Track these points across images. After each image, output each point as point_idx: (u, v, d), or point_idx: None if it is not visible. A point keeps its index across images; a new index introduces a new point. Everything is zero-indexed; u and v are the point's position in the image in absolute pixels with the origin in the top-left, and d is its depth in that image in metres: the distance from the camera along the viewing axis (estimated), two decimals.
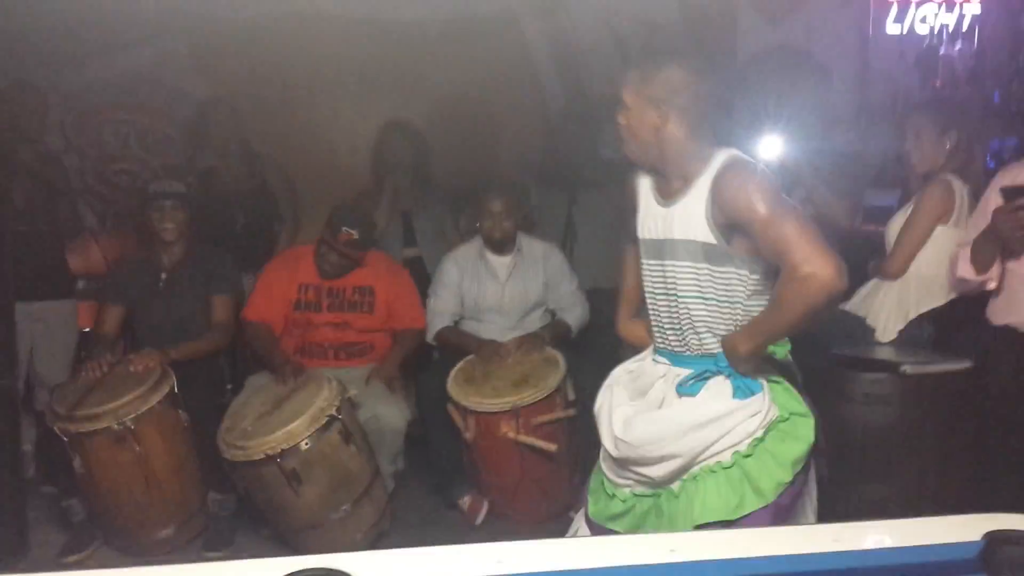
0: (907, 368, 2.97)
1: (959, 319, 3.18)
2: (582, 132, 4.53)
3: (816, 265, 1.92)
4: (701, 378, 2.14)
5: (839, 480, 2.76)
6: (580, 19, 4.90)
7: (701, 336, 2.17)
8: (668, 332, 2.23)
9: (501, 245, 3.86)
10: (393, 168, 4.39)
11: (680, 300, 2.17)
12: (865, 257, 3.50)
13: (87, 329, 3.99)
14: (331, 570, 1.16)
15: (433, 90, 4.88)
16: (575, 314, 3.88)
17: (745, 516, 2.02)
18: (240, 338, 3.81)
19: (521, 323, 3.87)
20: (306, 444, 3.16)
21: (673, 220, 2.15)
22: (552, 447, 3.41)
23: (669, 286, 2.19)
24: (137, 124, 4.78)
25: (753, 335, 2.08)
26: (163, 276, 3.73)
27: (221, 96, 4.48)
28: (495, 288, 3.87)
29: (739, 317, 2.14)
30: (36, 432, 3.74)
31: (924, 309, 3.20)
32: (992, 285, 2.90)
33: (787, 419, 2.10)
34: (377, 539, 3.43)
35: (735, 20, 5.10)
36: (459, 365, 3.68)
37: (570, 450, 3.54)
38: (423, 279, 4.06)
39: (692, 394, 2.14)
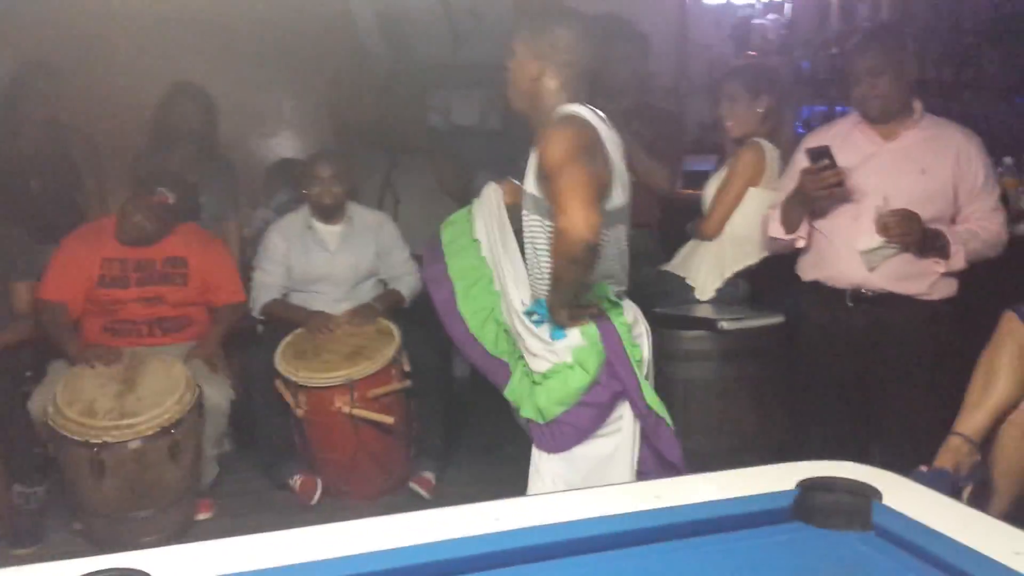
0: (724, 324, 3.11)
1: (772, 277, 3.33)
2: (406, 96, 4.46)
3: (569, 219, 2.13)
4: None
5: None
6: None
7: (537, 283, 2.39)
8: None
9: (330, 213, 3.73)
10: (176, 135, 4.10)
11: (528, 247, 2.39)
12: (685, 220, 3.61)
13: None
14: (128, 570, 1.06)
15: (257, 54, 4.66)
16: (407, 283, 3.81)
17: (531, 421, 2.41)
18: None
19: (352, 293, 3.77)
20: (188, 412, 3.17)
21: (528, 171, 2.35)
22: (389, 419, 3.35)
23: (524, 234, 2.40)
24: None
25: (551, 288, 2.31)
26: None
27: (33, 62, 4.09)
28: (324, 258, 3.74)
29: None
30: None
31: (739, 267, 3.34)
32: (801, 243, 3.04)
33: (571, 367, 2.32)
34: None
35: None
36: (287, 339, 3.55)
37: (406, 422, 3.49)
38: None
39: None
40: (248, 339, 3.83)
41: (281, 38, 4.67)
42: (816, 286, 3.03)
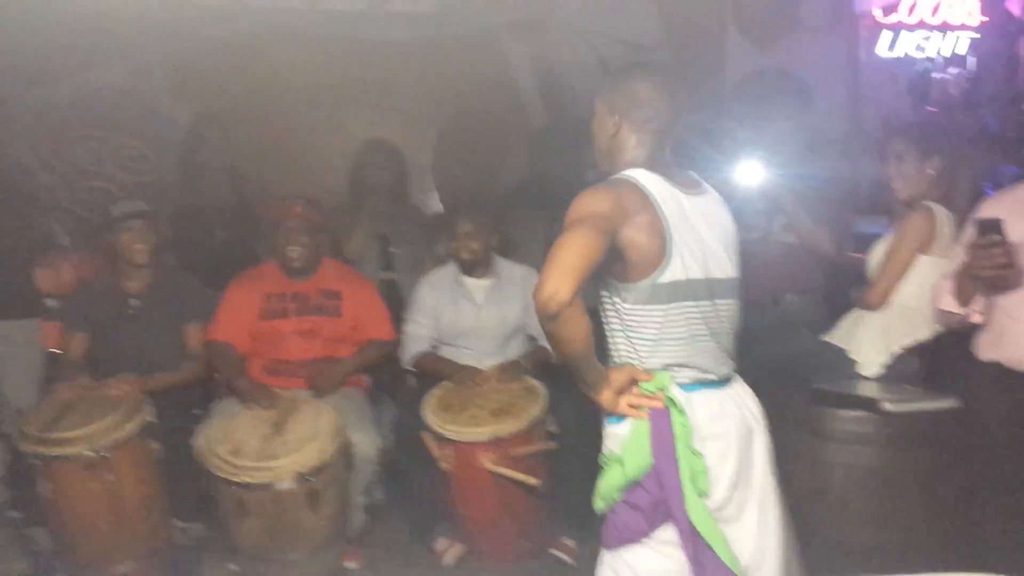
0: (889, 405, 2.86)
1: (946, 354, 3.08)
2: (564, 152, 4.47)
3: (540, 284, 1.97)
4: None
5: (814, 525, 2.66)
6: (562, 39, 4.85)
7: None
8: None
9: (472, 267, 3.77)
10: (371, 189, 4.31)
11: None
12: (852, 286, 3.42)
13: (54, 350, 3.88)
14: None
15: (412, 110, 4.83)
16: None
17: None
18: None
19: (501, 349, 3.77)
20: (332, 460, 3.22)
21: None
22: (534, 481, 3.29)
23: None
24: (110, 142, 4.71)
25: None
26: (132, 302, 3.63)
27: (207, 115, 4.40)
28: (471, 311, 3.77)
29: (619, 347, 2.17)
30: (8, 458, 3.64)
31: (908, 342, 3.10)
32: (977, 319, 2.80)
33: (617, 459, 2.12)
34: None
35: (723, 43, 5.04)
36: (434, 391, 3.57)
37: (550, 485, 3.43)
38: (397, 303, 3.96)
39: None
40: (401, 391, 3.90)
41: (440, 93, 4.81)
42: (996, 368, 2.75)
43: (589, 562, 3.33)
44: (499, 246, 3.85)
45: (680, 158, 2.23)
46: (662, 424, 2.07)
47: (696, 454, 2.07)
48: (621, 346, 2.15)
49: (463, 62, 4.74)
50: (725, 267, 2.17)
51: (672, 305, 2.08)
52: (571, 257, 1.97)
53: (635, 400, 2.08)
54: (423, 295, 3.81)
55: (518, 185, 4.68)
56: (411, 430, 3.52)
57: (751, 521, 2.16)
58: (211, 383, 3.77)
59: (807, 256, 3.64)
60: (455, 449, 3.36)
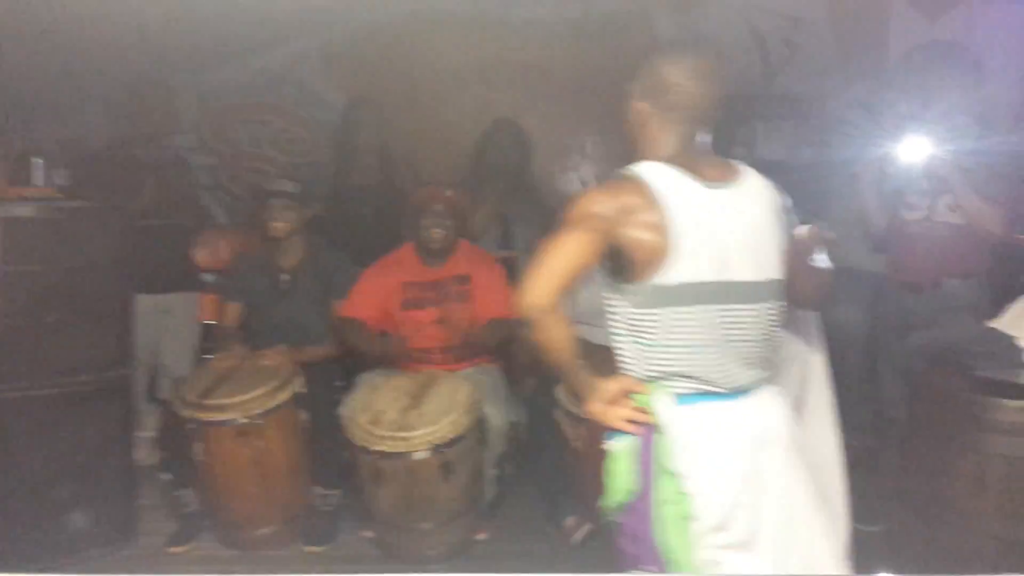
0: None
1: None
2: (716, 132, 4.31)
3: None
4: None
5: (974, 518, 2.48)
6: (716, 14, 4.67)
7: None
8: None
9: None
10: (494, 168, 4.31)
11: None
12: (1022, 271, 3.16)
13: (209, 322, 4.09)
14: None
15: (560, 91, 4.78)
16: None
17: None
18: None
19: None
20: (466, 434, 3.27)
21: None
22: None
23: None
24: (270, 125, 4.90)
25: None
26: (283, 277, 3.78)
27: (361, 98, 4.53)
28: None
29: (622, 353, 2.02)
30: (159, 420, 3.88)
31: None
32: None
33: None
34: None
35: (888, 15, 4.74)
36: None
37: None
38: (515, 282, 3.94)
39: None
40: (537, 369, 3.88)
41: (587, 72, 4.75)
42: None
43: None
44: None
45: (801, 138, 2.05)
46: (649, 442, 1.94)
47: (673, 475, 1.91)
48: (624, 352, 2.00)
49: (613, 40, 4.66)
50: (752, 268, 1.95)
51: (675, 309, 1.92)
52: (556, 262, 1.92)
53: (627, 414, 1.95)
54: None
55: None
56: (544, 409, 3.51)
57: (767, 548, 1.93)
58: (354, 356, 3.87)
59: (972, 238, 3.37)
60: (587, 429, 3.31)
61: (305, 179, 4.21)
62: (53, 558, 3.14)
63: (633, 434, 1.95)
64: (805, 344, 2.40)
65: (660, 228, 1.89)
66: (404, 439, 3.18)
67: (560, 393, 3.41)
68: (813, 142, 4.57)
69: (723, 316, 1.93)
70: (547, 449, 3.54)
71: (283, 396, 3.35)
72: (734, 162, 2.04)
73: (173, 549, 3.39)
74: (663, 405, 1.93)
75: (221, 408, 3.26)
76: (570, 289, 1.93)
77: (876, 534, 3.41)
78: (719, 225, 1.92)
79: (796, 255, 2.05)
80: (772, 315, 2.00)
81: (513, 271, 4.08)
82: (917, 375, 3.21)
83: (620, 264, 1.93)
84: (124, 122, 4.18)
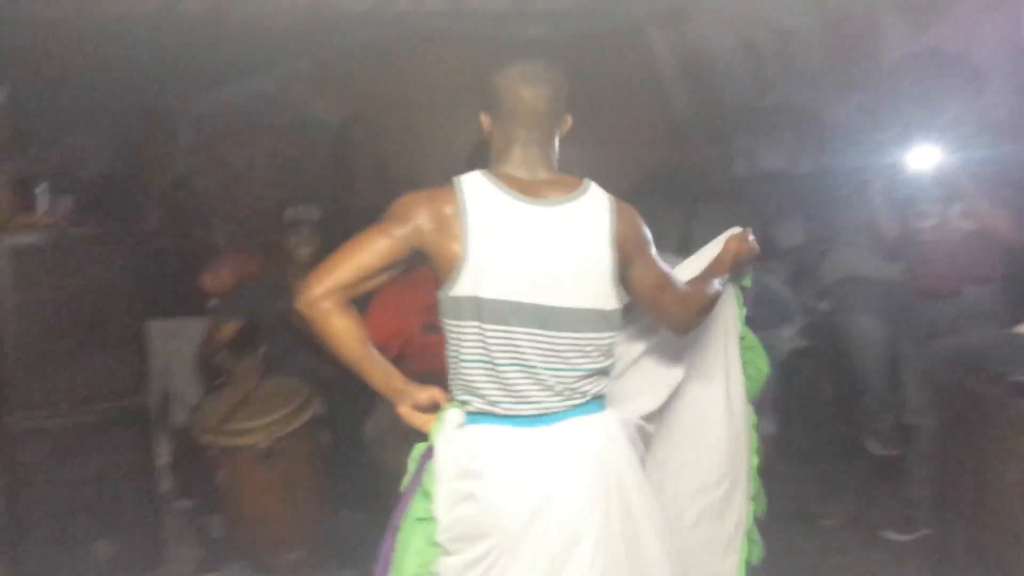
0: None
1: None
2: (709, 143, 4.35)
3: (301, 286, 1.85)
4: None
5: (1019, 523, 2.47)
6: (708, 28, 4.70)
7: None
8: None
9: None
10: None
11: None
12: None
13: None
14: None
15: None
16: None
17: None
18: None
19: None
20: None
21: None
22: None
23: None
24: (264, 146, 4.83)
25: None
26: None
27: (355, 117, 4.48)
28: None
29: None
30: (173, 447, 3.79)
31: None
32: None
33: None
34: None
35: (878, 25, 4.81)
36: None
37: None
38: None
39: None
40: None
41: (582, 88, 4.74)
42: None
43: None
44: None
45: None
46: (426, 456, 1.90)
47: (426, 495, 1.86)
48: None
49: (607, 56, 4.66)
50: (566, 294, 1.84)
51: (463, 323, 1.84)
52: (342, 257, 1.83)
53: (426, 421, 1.90)
54: None
55: (656, 176, 4.56)
56: None
57: None
58: None
59: (987, 244, 3.41)
60: None
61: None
62: None
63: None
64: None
65: (460, 239, 1.82)
66: None
67: None
68: (815, 151, 4.62)
69: (529, 339, 1.84)
70: None
71: (304, 417, 3.30)
72: (578, 180, 1.95)
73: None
74: (448, 422, 1.87)
75: (242, 433, 3.22)
76: (357, 287, 1.84)
77: (910, 543, 3.42)
78: (529, 243, 1.83)
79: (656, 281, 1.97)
80: (585, 345, 1.87)
81: None
82: (946, 382, 3.22)
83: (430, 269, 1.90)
84: (123, 147, 4.09)
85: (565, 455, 1.85)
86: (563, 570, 1.81)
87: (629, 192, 4.29)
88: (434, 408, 1.91)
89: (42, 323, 3.09)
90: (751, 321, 2.35)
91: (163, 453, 3.84)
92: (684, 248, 4.08)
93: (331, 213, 4.32)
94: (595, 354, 1.89)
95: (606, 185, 4.84)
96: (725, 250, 2.26)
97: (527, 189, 1.88)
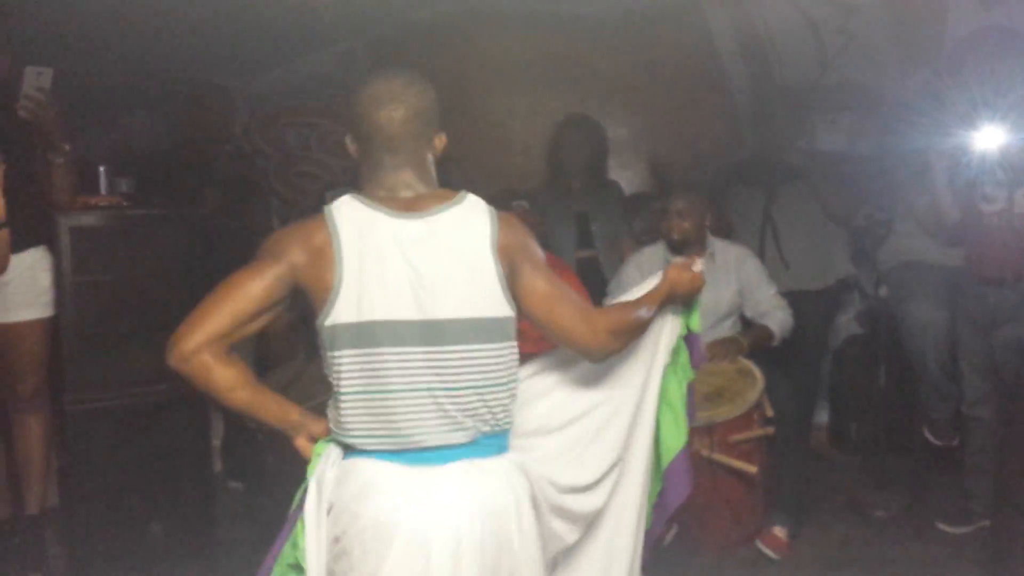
0: None
1: None
2: (772, 123, 4.25)
3: (172, 337, 1.70)
4: None
5: None
6: (768, 4, 4.59)
7: None
8: None
9: (682, 247, 3.62)
10: (570, 165, 4.24)
11: None
12: None
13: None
14: None
15: (612, 85, 4.73)
16: (777, 318, 3.55)
17: None
18: None
19: (711, 332, 3.59)
20: None
21: None
22: (752, 469, 3.14)
23: None
24: (318, 127, 4.86)
25: None
26: None
27: None
28: None
29: None
30: (224, 428, 3.85)
31: None
32: None
33: None
34: None
35: (944, 1, 4.65)
36: None
37: (765, 472, 3.27)
38: (598, 282, 3.87)
39: None
40: None
41: (638, 67, 4.68)
42: None
43: (801, 555, 3.24)
44: (713, 225, 3.69)
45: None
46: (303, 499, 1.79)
47: (297, 542, 1.77)
48: None
49: (663, 33, 4.59)
50: (449, 305, 1.73)
51: (342, 352, 1.73)
52: (214, 304, 1.70)
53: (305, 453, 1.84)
54: (629, 273, 3.70)
55: (736, 160, 4.48)
56: None
57: None
58: None
59: None
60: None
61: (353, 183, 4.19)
62: (133, 569, 3.11)
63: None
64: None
65: (331, 266, 1.71)
66: None
67: None
68: (874, 132, 4.50)
69: (398, 361, 1.72)
70: None
71: None
72: (456, 193, 1.83)
73: None
74: (323, 459, 1.80)
75: None
76: (234, 336, 1.72)
77: (965, 536, 3.36)
78: (402, 258, 1.73)
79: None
80: (485, 359, 1.76)
81: (595, 271, 4.02)
82: (1007, 372, 3.14)
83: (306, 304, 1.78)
84: (181, 127, 4.14)
85: (451, 503, 1.71)
86: None
87: (705, 176, 4.26)
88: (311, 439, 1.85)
89: (100, 304, 3.12)
90: None
91: (217, 435, 3.89)
92: (769, 233, 4.05)
93: None
94: (491, 367, 1.76)
95: (662, 165, 4.76)
96: (662, 278, 2.07)
97: (400, 204, 1.77)
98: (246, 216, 4.12)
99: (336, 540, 1.72)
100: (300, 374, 3.45)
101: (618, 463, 2.04)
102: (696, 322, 2.16)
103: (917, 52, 4.48)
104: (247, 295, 1.70)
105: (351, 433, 1.75)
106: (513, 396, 1.82)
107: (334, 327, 1.72)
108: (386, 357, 1.71)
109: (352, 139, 1.83)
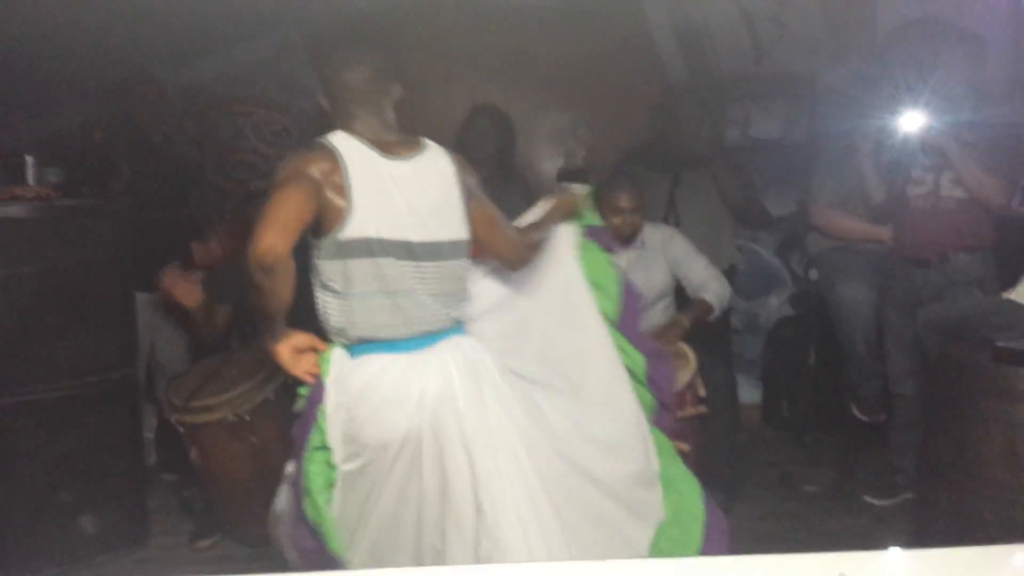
0: None
1: None
2: (701, 110, 4.31)
3: (257, 239, 2.04)
4: None
5: (1007, 490, 2.49)
6: None
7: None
8: None
9: (627, 241, 3.65)
10: (475, 154, 4.27)
11: None
12: None
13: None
14: None
15: (547, 75, 4.75)
16: (713, 289, 3.59)
17: None
18: None
19: (644, 315, 3.64)
20: None
21: None
22: (684, 447, 3.17)
23: None
24: (254, 116, 4.80)
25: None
26: None
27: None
28: None
29: (317, 303, 2.28)
30: (156, 421, 3.81)
31: None
32: None
33: None
34: None
35: None
36: None
37: (699, 450, 3.32)
38: None
39: None
40: None
41: (576, 56, 4.71)
42: None
43: (735, 530, 3.29)
44: None
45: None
46: (317, 395, 2.20)
47: (322, 429, 2.18)
48: (318, 304, 2.25)
49: (602, 24, 4.62)
50: (433, 230, 2.24)
51: (352, 261, 2.18)
52: (284, 213, 2.06)
53: (308, 366, 2.21)
54: None
55: (642, 145, 4.53)
56: None
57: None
58: None
59: (977, 211, 3.40)
60: None
61: None
62: (63, 564, 3.07)
63: (310, 384, 2.22)
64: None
65: (343, 190, 2.15)
66: None
67: None
68: (806, 119, 4.60)
69: (408, 271, 2.21)
70: None
71: (271, 388, 3.22)
72: (419, 138, 2.33)
73: (199, 544, 3.34)
74: (335, 359, 2.20)
75: (208, 409, 3.16)
76: (295, 237, 2.08)
77: (891, 508, 3.45)
78: (398, 192, 2.20)
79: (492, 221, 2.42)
80: (454, 271, 2.30)
81: None
82: (931, 349, 3.22)
83: (315, 221, 2.16)
84: (111, 118, 4.07)
85: (441, 366, 2.22)
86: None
87: (618, 159, 4.32)
88: (309, 348, 2.21)
89: (28, 297, 3.06)
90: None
91: (147, 427, 3.84)
92: (670, 215, 4.13)
93: None
94: (461, 277, 2.33)
95: (600, 153, 4.81)
96: (554, 205, 2.74)
97: (384, 147, 2.23)
98: (182, 207, 4.06)
99: (348, 420, 2.18)
100: (221, 366, 3.41)
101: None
102: (592, 218, 2.79)
103: (848, 41, 4.57)
104: (297, 205, 2.09)
105: (361, 327, 2.20)
106: (468, 295, 2.39)
107: (349, 240, 2.16)
108: (389, 267, 2.19)
109: (325, 97, 2.29)
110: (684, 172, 4.15)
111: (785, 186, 4.58)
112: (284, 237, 2.04)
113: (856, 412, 3.67)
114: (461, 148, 4.33)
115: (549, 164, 4.88)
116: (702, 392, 3.33)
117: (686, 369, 3.29)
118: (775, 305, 4.58)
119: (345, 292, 2.18)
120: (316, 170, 2.13)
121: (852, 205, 3.72)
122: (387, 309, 2.20)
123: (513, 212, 4.27)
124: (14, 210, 3.12)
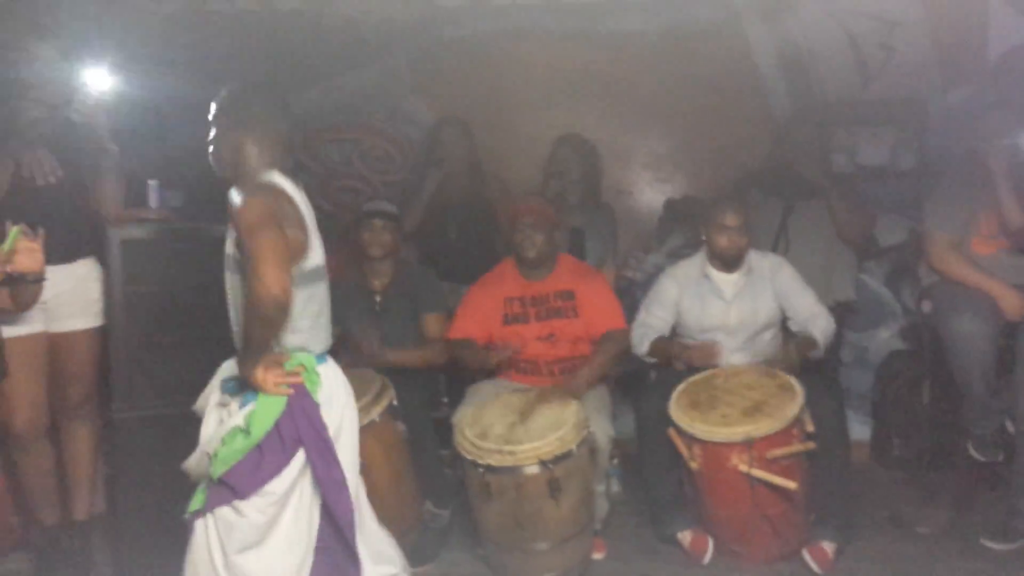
0: None
1: None
2: (808, 138, 4.25)
3: (261, 280, 2.25)
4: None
5: None
6: (809, 19, 4.58)
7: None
8: None
9: (733, 263, 3.61)
10: (564, 180, 4.41)
11: (231, 308, 2.55)
12: None
13: None
14: None
15: (650, 102, 4.75)
16: (819, 326, 3.53)
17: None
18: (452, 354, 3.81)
19: (750, 344, 3.61)
20: (574, 451, 3.20)
21: (228, 233, 2.50)
22: (792, 485, 3.10)
23: (228, 294, 2.55)
24: (360, 143, 4.93)
25: (243, 348, 2.44)
26: (377, 299, 3.85)
27: (449, 114, 4.55)
28: (720, 307, 3.62)
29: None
30: None
31: None
32: None
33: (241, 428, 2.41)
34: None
35: (986, 16, 4.61)
36: (680, 387, 3.44)
37: (805, 487, 3.24)
38: None
39: None
40: (640, 385, 3.83)
41: (677, 82, 4.69)
42: None
43: (846, 570, 3.20)
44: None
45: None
46: (303, 394, 2.41)
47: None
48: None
49: (702, 48, 4.60)
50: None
51: (316, 284, 2.49)
52: (281, 253, 2.30)
53: (279, 379, 2.37)
54: (665, 287, 3.71)
55: (756, 170, 4.47)
56: (653, 424, 3.45)
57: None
58: (456, 370, 3.87)
59: None
60: (704, 448, 3.24)
61: (396, 197, 4.27)
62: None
63: (285, 395, 2.38)
64: None
65: (302, 223, 2.43)
66: (511, 453, 3.15)
67: (674, 411, 3.35)
68: (915, 144, 4.48)
69: (325, 292, 2.55)
70: (655, 466, 3.48)
71: (376, 410, 3.31)
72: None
73: None
74: (313, 371, 2.44)
75: None
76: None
77: (1010, 553, 3.30)
78: (311, 220, 2.50)
79: None
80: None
81: None
82: None
83: None
84: None
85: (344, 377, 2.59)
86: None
87: (729, 189, 4.28)
88: (276, 364, 2.39)
89: (149, 314, 3.21)
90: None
91: None
92: (781, 245, 4.06)
93: (423, 210, 4.40)
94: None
95: (701, 180, 4.83)
96: None
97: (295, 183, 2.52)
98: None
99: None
100: (475, 405, 3.52)
101: None
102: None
103: (959, 64, 4.44)
104: (285, 243, 2.33)
105: (321, 341, 2.53)
106: None
107: (314, 268, 2.47)
108: (320, 290, 2.52)
109: (243, 133, 2.49)
110: (798, 200, 4.08)
111: (893, 214, 4.46)
112: (288, 274, 2.29)
113: (972, 451, 3.52)
114: (547, 175, 4.42)
115: (649, 191, 4.87)
116: (810, 427, 3.26)
117: (793, 403, 3.23)
118: (884, 338, 4.45)
119: (303, 315, 2.44)
120: (277, 208, 2.36)
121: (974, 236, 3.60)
122: (325, 326, 2.55)
123: (600, 238, 4.35)
124: (137, 231, 3.29)
